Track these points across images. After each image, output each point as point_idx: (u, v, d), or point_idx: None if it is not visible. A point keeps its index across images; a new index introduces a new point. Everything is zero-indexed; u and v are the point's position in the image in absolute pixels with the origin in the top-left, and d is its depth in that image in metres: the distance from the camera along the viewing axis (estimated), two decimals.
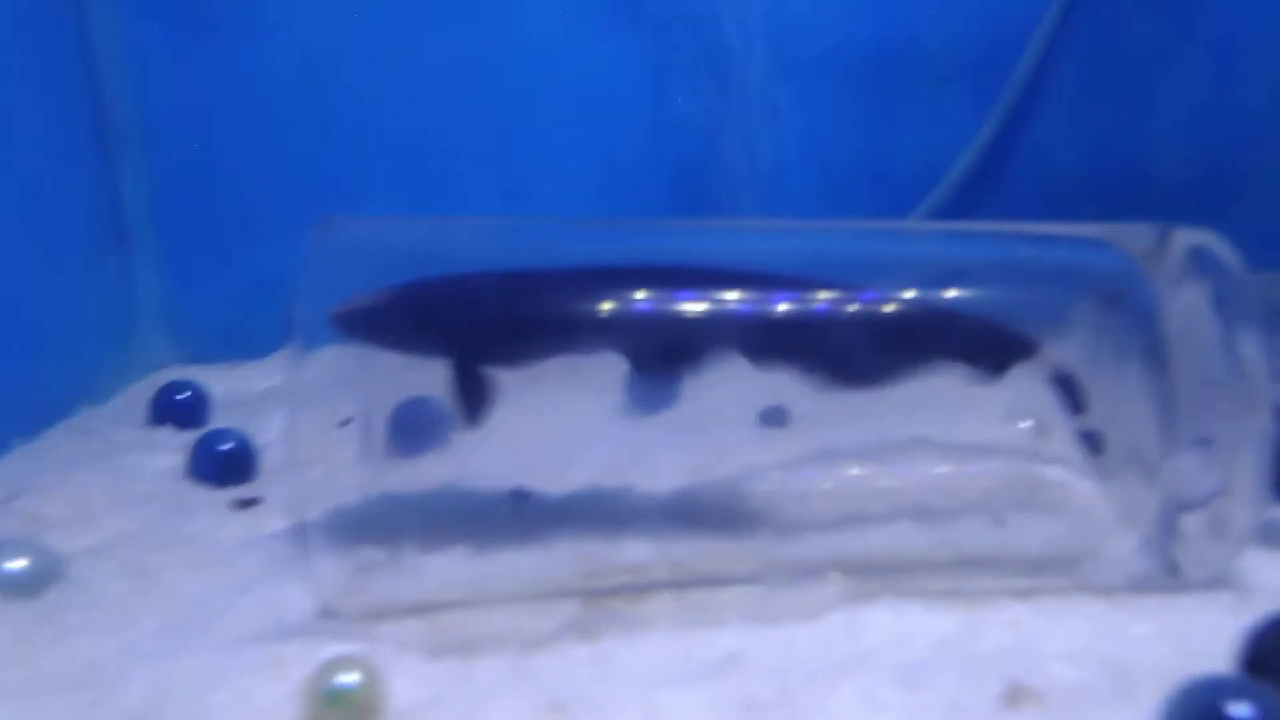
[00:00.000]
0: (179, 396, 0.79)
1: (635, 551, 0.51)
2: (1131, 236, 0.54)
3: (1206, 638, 0.44)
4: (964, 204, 1.11)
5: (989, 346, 0.50)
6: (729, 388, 0.51)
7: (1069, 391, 0.53)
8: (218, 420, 0.77)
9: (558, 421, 0.52)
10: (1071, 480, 0.54)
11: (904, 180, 1.08)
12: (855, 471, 0.54)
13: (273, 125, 1.00)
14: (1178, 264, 0.52)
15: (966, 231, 0.60)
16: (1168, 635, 0.45)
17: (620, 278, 0.50)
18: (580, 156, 1.06)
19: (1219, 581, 0.49)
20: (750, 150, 1.06)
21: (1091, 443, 0.53)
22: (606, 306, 0.50)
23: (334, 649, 0.45)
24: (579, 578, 0.50)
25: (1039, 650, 0.44)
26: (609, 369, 0.51)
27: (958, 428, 0.55)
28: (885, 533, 0.52)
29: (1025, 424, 0.56)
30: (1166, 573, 0.49)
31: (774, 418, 0.53)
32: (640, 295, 0.50)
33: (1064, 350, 0.53)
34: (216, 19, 0.99)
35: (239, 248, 1.01)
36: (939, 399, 0.54)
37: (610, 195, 1.07)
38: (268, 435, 0.69)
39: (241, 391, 0.86)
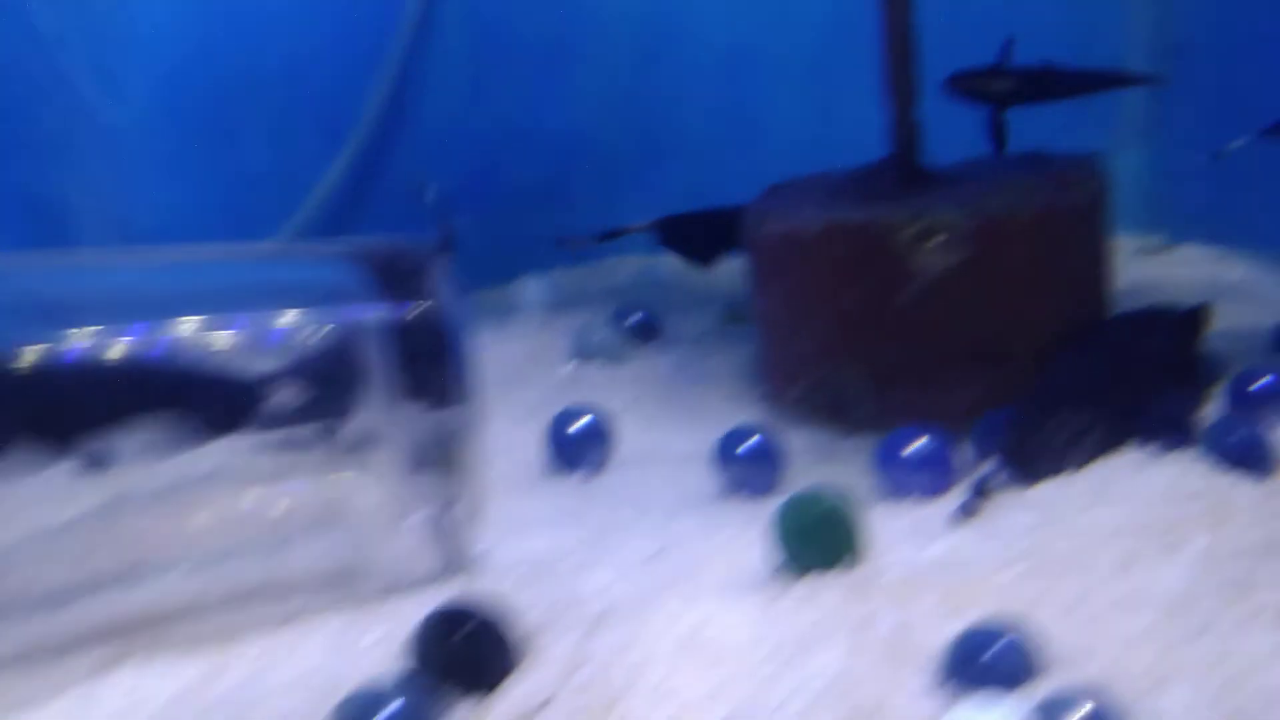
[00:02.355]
0: None
1: None
2: (383, 251, 0.58)
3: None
4: (332, 227, 1.15)
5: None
6: None
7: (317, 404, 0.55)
8: None
9: None
10: (360, 490, 0.57)
11: (257, 211, 1.09)
12: (138, 521, 0.54)
13: None
14: (411, 281, 0.56)
15: (190, 261, 0.60)
16: (387, 640, 0.49)
17: None
18: None
19: (460, 569, 0.54)
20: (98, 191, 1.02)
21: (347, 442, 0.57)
22: None
23: None
24: None
25: (266, 684, 0.47)
26: None
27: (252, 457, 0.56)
28: (157, 584, 0.52)
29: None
30: (430, 571, 0.54)
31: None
32: None
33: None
34: None
35: None
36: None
37: None
38: None
39: None
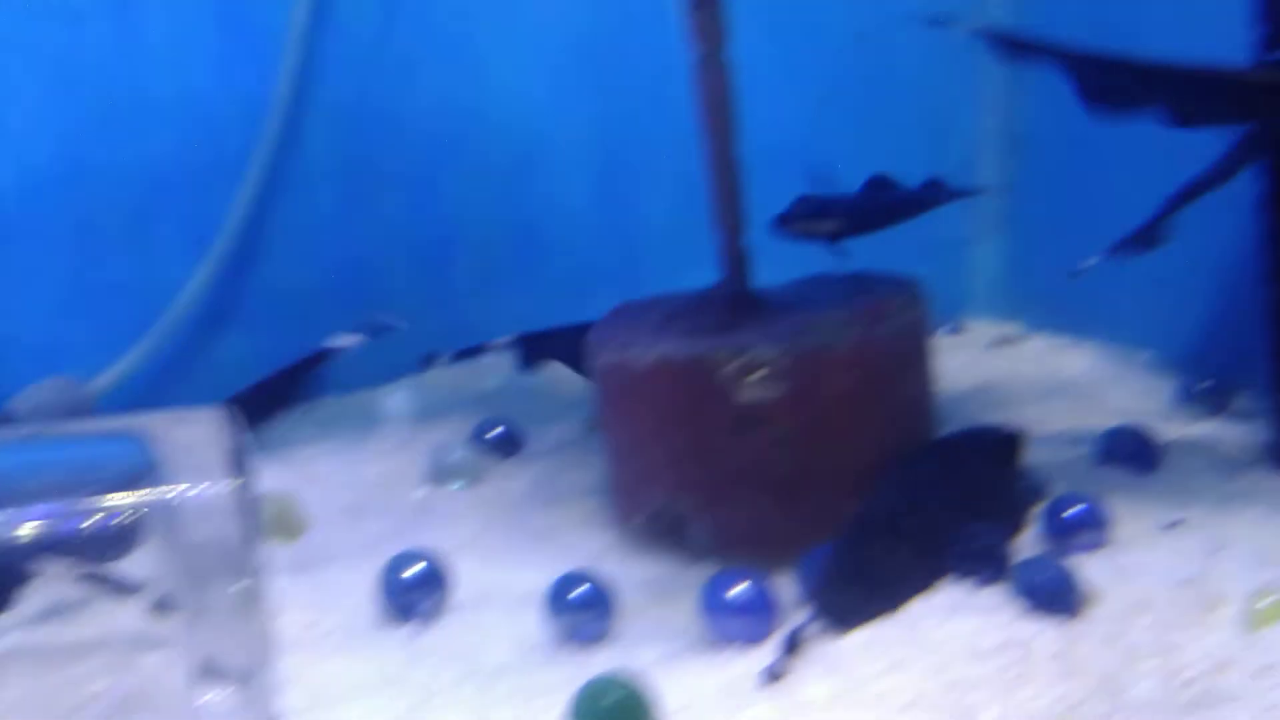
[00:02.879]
0: None
1: None
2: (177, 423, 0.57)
3: None
4: (200, 334, 1.13)
5: None
6: None
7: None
8: None
9: None
10: (154, 672, 0.56)
11: (119, 321, 1.07)
12: None
13: None
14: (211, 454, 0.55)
15: None
16: None
17: None
18: None
19: None
20: None
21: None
22: None
23: None
24: None
25: None
26: None
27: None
28: None
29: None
30: None
31: None
32: None
33: None
34: None
35: None
36: None
37: None
38: None
39: None
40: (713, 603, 0.61)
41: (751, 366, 0.68)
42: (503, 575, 0.73)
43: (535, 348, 1.02)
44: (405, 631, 0.66)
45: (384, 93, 1.20)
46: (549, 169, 1.25)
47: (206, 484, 0.52)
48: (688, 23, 0.75)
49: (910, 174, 1.25)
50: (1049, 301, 1.19)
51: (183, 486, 0.52)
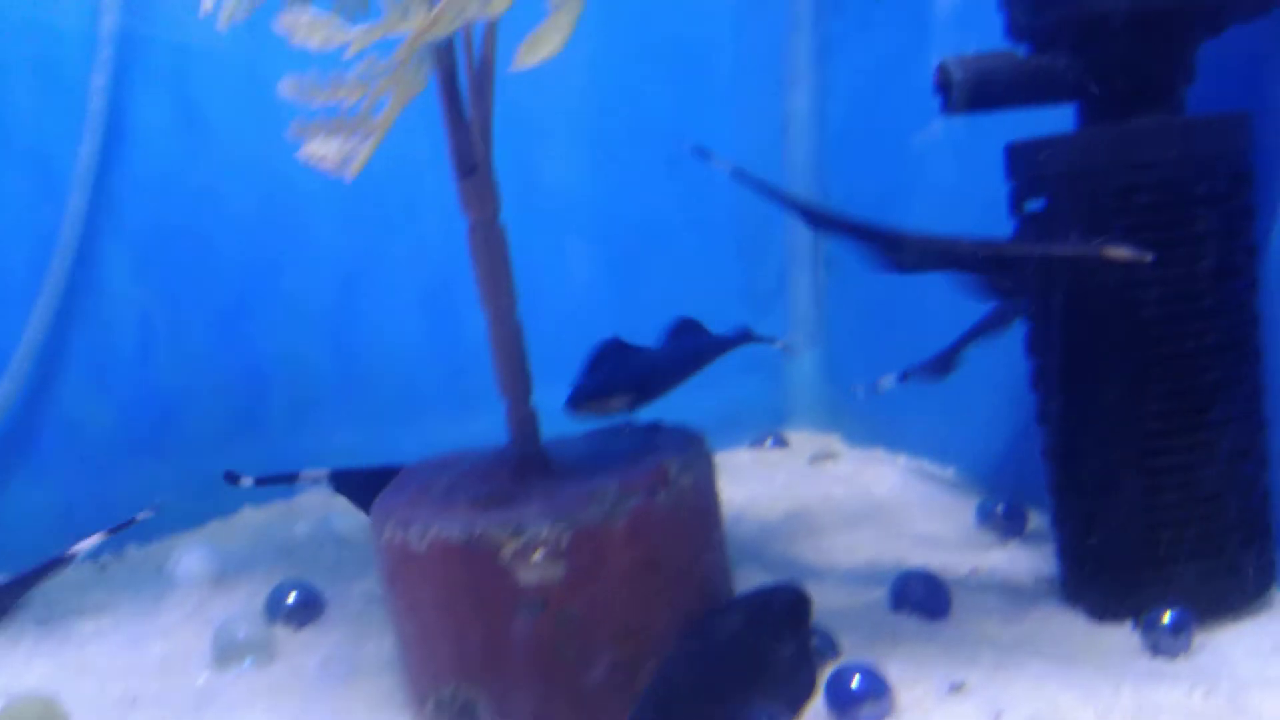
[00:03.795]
0: None
1: None
2: None
3: None
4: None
5: None
6: None
7: None
8: None
9: None
10: None
11: None
12: None
13: None
14: None
15: None
16: None
17: None
18: None
19: None
20: None
21: None
22: None
23: None
24: None
25: None
26: None
27: None
28: None
29: None
30: None
31: None
32: None
33: None
34: None
35: None
36: None
37: None
38: None
39: None
40: None
41: (530, 547, 0.66)
42: None
43: (350, 482, 0.97)
44: None
45: (188, 218, 1.16)
46: (369, 293, 1.23)
47: None
48: (459, 191, 0.73)
49: (726, 296, 1.26)
50: (862, 416, 1.21)
51: None
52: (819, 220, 0.82)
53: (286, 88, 0.61)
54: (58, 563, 0.96)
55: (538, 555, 0.66)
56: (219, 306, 1.19)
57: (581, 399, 0.76)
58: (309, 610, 0.92)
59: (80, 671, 0.84)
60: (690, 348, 0.84)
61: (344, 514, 1.15)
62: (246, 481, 0.91)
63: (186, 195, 1.15)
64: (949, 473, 1.06)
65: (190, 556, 1.02)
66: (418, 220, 1.21)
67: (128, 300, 1.14)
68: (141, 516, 0.98)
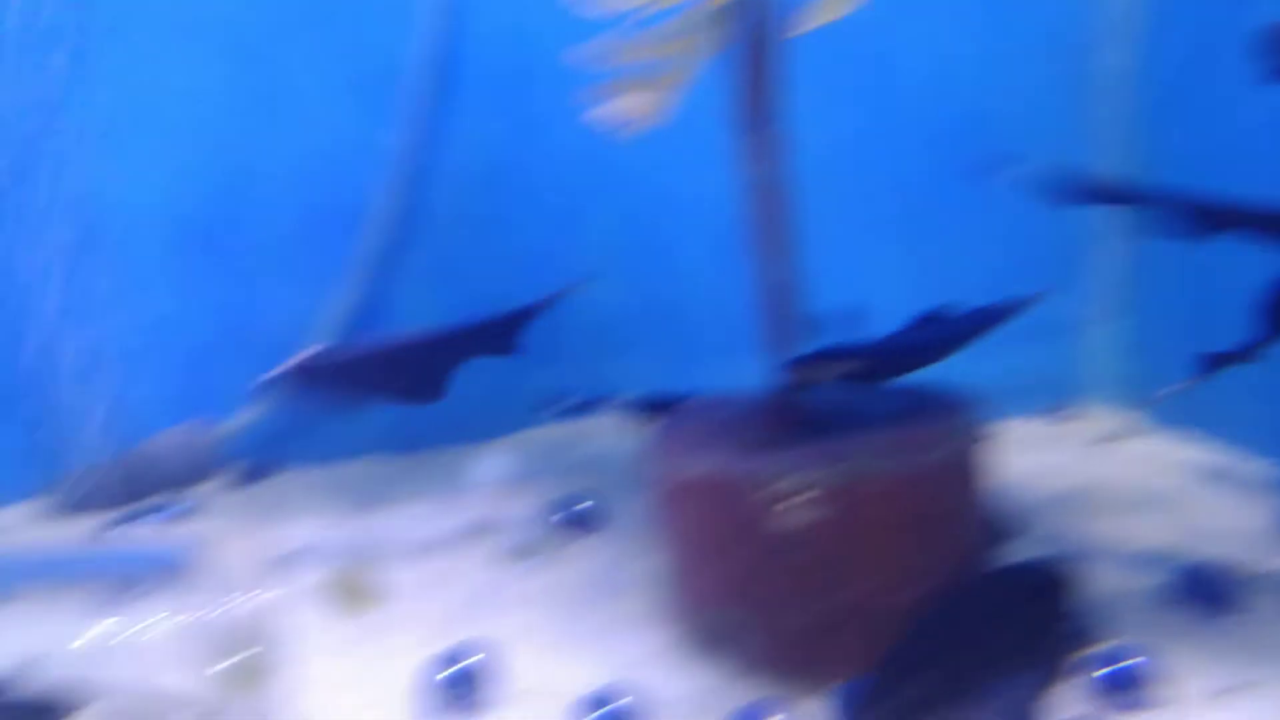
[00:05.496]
0: None
1: None
2: None
3: None
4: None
5: None
6: None
7: None
8: None
9: None
10: None
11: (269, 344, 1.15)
12: None
13: None
14: None
15: None
16: None
17: None
18: None
19: None
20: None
21: None
22: None
23: None
24: None
25: None
26: None
27: None
28: None
29: None
30: None
31: None
32: None
33: None
34: None
35: None
36: None
37: None
38: None
39: None
40: None
41: (794, 489, 0.68)
42: (552, 671, 0.75)
43: (639, 413, 1.02)
44: None
45: (515, 153, 1.25)
46: (673, 233, 1.27)
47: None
48: (745, 145, 0.75)
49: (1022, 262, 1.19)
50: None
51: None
52: (1137, 197, 0.77)
53: (593, 50, 0.65)
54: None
55: (802, 498, 0.68)
56: (538, 234, 1.27)
57: (803, 363, 0.76)
58: (587, 525, 0.99)
59: (390, 547, 0.95)
60: (940, 334, 0.81)
61: (626, 440, 1.22)
62: (554, 405, 0.98)
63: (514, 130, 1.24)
64: (1258, 466, 0.98)
65: (487, 463, 1.13)
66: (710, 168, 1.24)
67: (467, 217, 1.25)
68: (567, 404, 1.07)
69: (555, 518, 0.98)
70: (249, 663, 0.56)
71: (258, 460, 1.16)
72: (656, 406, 0.95)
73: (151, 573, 0.58)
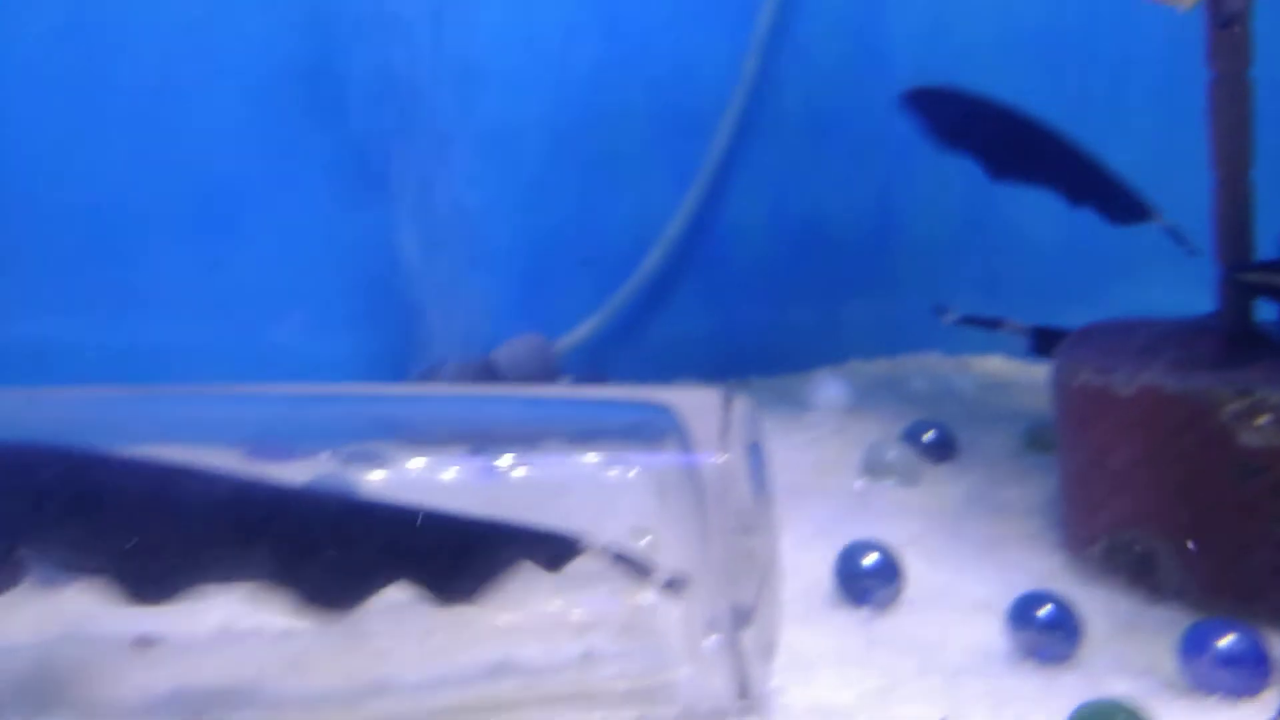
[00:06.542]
0: None
1: None
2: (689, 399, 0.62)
3: None
4: (673, 273, 1.22)
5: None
6: None
7: None
8: None
9: None
10: (665, 606, 0.61)
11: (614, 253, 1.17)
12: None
13: None
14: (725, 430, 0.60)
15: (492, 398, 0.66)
16: None
17: None
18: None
19: (751, 705, 0.57)
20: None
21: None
22: None
23: None
24: None
25: None
26: None
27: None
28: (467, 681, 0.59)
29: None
30: (736, 696, 0.57)
31: None
32: None
33: None
34: None
35: None
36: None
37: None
38: None
39: None
40: (1195, 650, 0.59)
41: (1257, 410, 0.64)
42: (951, 578, 0.74)
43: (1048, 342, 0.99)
44: (860, 616, 0.69)
45: (855, 58, 1.24)
46: None
47: (722, 450, 0.57)
48: (1209, 40, 0.72)
49: None
50: None
51: (711, 451, 0.57)
52: None
53: None
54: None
55: (1264, 419, 0.65)
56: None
57: (1251, 268, 0.71)
58: (944, 449, 0.97)
59: None
60: None
61: (959, 374, 1.20)
62: (951, 317, 0.96)
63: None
64: None
65: (827, 386, 1.13)
66: None
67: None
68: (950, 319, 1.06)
69: (907, 442, 0.97)
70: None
71: (586, 374, 1.20)
72: (1054, 334, 0.92)
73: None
